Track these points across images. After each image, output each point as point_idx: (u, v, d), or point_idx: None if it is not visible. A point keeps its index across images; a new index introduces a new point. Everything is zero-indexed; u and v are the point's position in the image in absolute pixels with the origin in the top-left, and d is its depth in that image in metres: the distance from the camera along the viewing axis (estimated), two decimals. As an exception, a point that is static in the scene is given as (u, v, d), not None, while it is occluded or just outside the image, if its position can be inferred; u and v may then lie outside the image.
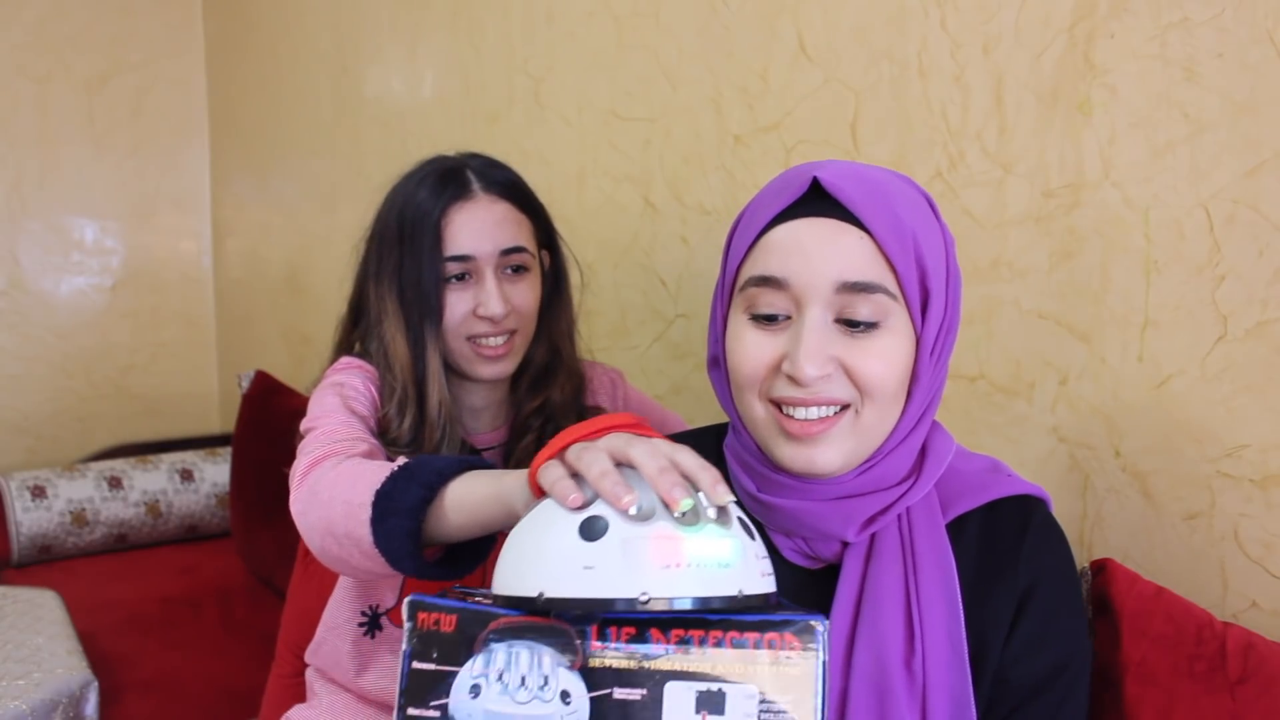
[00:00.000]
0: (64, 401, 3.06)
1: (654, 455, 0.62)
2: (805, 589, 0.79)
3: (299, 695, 1.25)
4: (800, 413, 0.73)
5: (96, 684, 1.47)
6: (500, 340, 1.11)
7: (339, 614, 1.15)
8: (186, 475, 2.55)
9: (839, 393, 0.73)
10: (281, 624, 1.38)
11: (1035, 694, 0.75)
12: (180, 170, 3.20)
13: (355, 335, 1.18)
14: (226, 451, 2.59)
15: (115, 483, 2.46)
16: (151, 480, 2.50)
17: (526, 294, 1.13)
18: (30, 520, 2.33)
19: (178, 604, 2.11)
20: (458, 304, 1.09)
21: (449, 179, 1.11)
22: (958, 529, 0.79)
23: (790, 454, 0.74)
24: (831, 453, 0.74)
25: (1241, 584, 0.91)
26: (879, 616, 0.74)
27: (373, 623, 1.13)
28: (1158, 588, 0.88)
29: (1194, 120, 0.91)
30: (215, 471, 2.59)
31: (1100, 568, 0.91)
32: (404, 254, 1.09)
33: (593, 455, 0.63)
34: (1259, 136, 0.87)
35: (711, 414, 1.14)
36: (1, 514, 2.37)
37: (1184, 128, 0.91)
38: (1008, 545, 0.78)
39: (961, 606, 0.75)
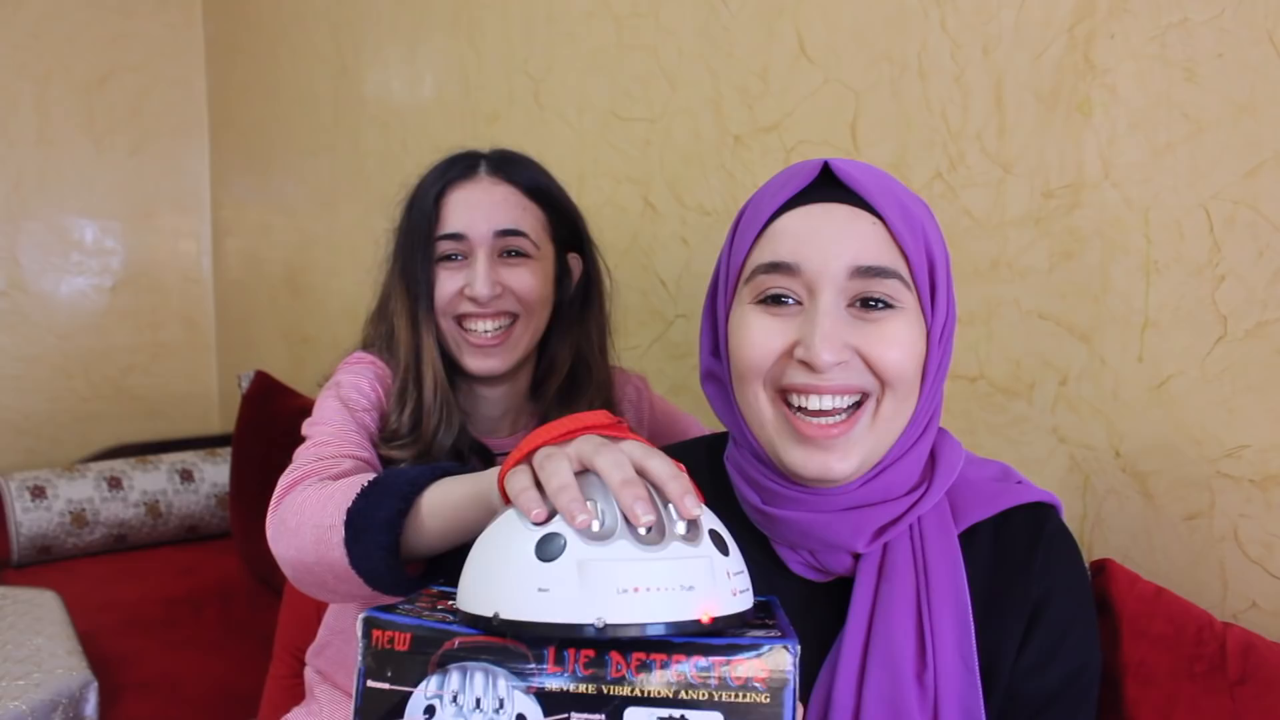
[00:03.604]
0: (64, 402, 3.06)
1: (619, 465, 0.58)
2: (813, 602, 0.78)
3: (297, 696, 1.25)
4: (814, 402, 0.70)
5: (96, 684, 1.47)
6: (490, 328, 1.07)
7: (345, 618, 1.13)
8: (186, 475, 2.55)
9: (856, 380, 0.70)
10: (279, 624, 1.38)
11: (1048, 706, 0.74)
12: (180, 170, 3.20)
13: (380, 330, 1.14)
14: (226, 452, 2.59)
15: (115, 483, 2.46)
16: (151, 480, 2.50)
17: (525, 279, 1.08)
18: (30, 521, 2.33)
19: (178, 604, 2.11)
20: (448, 282, 1.06)
21: (458, 162, 1.10)
22: (969, 539, 0.77)
23: (802, 459, 0.71)
24: (849, 460, 0.71)
25: (1241, 584, 0.91)
26: (891, 630, 0.73)
27: (377, 625, 1.12)
28: (1157, 588, 0.88)
29: (1194, 120, 0.91)
30: (215, 472, 2.59)
31: (1100, 568, 0.91)
32: (406, 235, 1.08)
33: (555, 464, 0.60)
34: (1259, 136, 0.87)
35: (713, 414, 1.14)
36: (1, 514, 2.37)
37: (1184, 128, 0.91)
38: (1019, 557, 0.76)
39: (972, 619, 0.74)
